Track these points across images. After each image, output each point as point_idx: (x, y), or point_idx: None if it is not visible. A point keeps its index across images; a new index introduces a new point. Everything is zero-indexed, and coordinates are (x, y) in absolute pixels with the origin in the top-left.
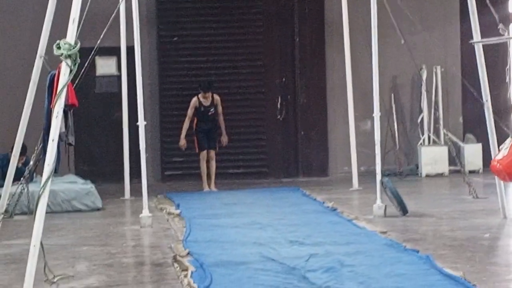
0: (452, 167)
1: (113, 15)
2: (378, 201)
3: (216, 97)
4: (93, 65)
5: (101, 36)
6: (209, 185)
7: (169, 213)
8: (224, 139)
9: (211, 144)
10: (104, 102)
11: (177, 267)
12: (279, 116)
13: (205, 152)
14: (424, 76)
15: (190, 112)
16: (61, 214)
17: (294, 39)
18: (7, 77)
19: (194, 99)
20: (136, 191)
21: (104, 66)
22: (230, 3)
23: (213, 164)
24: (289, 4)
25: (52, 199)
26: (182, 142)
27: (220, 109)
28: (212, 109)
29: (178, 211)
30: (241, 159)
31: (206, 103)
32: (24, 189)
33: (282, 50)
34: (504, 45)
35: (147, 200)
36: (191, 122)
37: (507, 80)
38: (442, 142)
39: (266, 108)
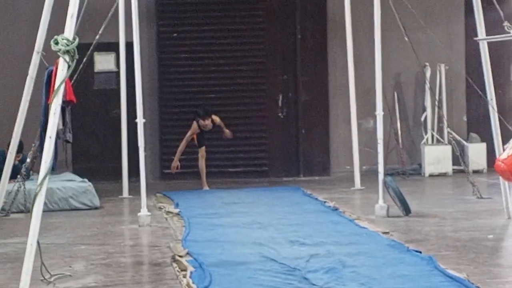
0: (455, 167)
1: (112, 10)
2: (381, 201)
3: (215, 118)
4: (91, 61)
5: (100, 32)
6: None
7: (168, 212)
8: (227, 132)
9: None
10: (102, 99)
11: (176, 267)
12: (280, 114)
13: (203, 148)
14: (428, 74)
15: (189, 136)
16: (58, 212)
17: (296, 35)
18: (4, 72)
19: (195, 126)
20: (134, 189)
21: (103, 62)
22: None
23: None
24: (291, 0)
25: (49, 197)
26: (175, 164)
27: (221, 123)
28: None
29: (177, 210)
30: (241, 158)
31: (207, 128)
32: (20, 187)
33: (283, 46)
34: (510, 43)
35: (145, 199)
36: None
37: None
38: (446, 141)
39: (267, 105)
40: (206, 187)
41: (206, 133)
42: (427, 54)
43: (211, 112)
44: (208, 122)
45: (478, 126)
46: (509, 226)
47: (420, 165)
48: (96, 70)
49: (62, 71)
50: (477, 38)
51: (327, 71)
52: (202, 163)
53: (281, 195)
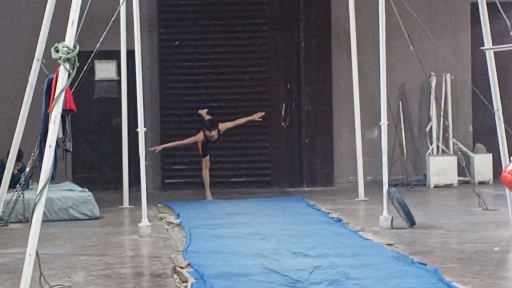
0: (461, 178)
1: (113, 18)
2: (385, 212)
3: (222, 127)
4: (92, 69)
5: (101, 39)
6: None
7: (169, 223)
8: (257, 115)
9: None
10: (103, 107)
11: (176, 279)
12: (283, 124)
13: (207, 158)
14: (433, 84)
15: (189, 140)
16: (58, 222)
17: (299, 44)
18: (3, 80)
19: (200, 134)
20: (135, 199)
21: (104, 70)
22: (233, 6)
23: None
24: (295, 8)
25: (49, 207)
26: (159, 148)
27: (229, 124)
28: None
29: (178, 221)
30: (244, 168)
31: (213, 138)
32: (19, 196)
33: (287, 55)
34: None
35: (146, 209)
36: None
37: None
38: (451, 152)
39: (270, 115)
40: (210, 198)
41: (210, 142)
42: (432, 63)
43: (217, 122)
44: (214, 133)
45: (484, 136)
46: None
47: (425, 176)
48: (96, 78)
49: (62, 79)
50: (484, 48)
51: (331, 80)
52: (206, 173)
53: (284, 206)
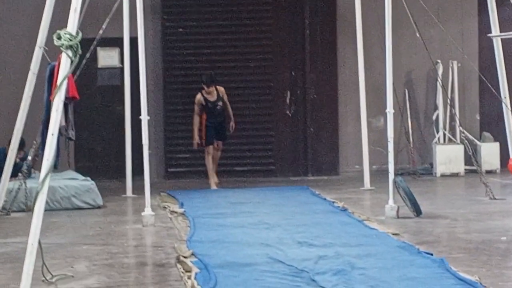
0: (468, 167)
1: (116, 5)
2: (391, 201)
3: (220, 88)
4: (94, 57)
5: (104, 26)
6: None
7: (173, 212)
8: (232, 123)
9: (221, 136)
10: (106, 95)
11: (180, 268)
12: (288, 112)
13: (211, 146)
14: (440, 71)
15: (196, 108)
16: (60, 211)
17: (304, 31)
18: (5, 68)
19: (198, 96)
20: (138, 188)
21: (106, 57)
22: None
23: (218, 154)
24: None
25: (51, 196)
26: (196, 140)
27: (225, 98)
28: (220, 103)
29: (182, 210)
30: (248, 156)
31: (212, 98)
32: (21, 185)
33: (292, 42)
34: None
35: (149, 198)
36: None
37: None
38: (458, 140)
39: (274, 103)
40: (214, 187)
41: (215, 129)
42: (439, 51)
43: (216, 80)
44: (212, 89)
45: (491, 125)
46: None
47: (431, 164)
48: (99, 65)
49: (65, 66)
50: (491, 35)
51: (336, 68)
52: (208, 160)
53: (288, 195)
